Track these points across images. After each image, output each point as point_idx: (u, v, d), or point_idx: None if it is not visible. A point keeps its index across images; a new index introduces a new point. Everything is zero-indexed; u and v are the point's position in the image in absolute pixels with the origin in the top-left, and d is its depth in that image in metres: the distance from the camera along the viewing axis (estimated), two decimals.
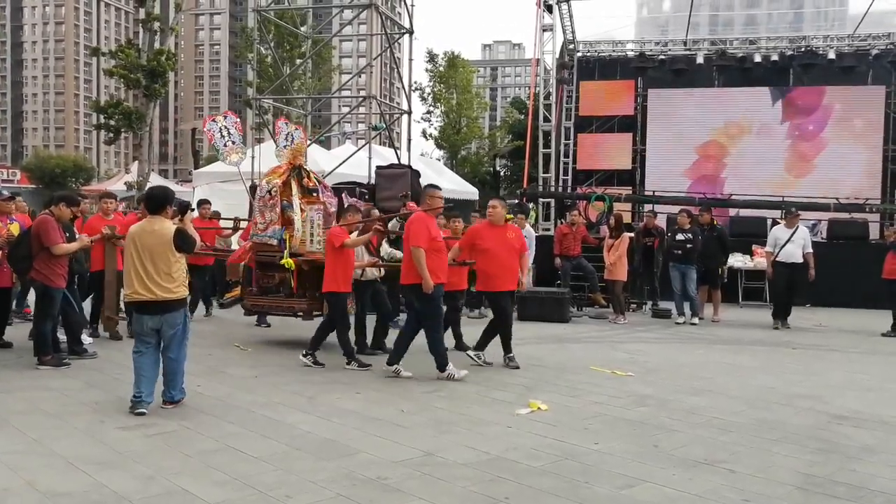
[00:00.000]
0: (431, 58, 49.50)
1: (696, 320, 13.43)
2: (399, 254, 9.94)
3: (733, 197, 21.70)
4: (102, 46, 50.73)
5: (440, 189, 8.83)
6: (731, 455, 5.62)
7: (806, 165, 24.60)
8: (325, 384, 7.83)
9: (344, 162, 16.47)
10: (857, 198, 22.13)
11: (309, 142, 18.22)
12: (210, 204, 13.86)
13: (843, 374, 9.01)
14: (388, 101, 26.17)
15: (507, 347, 8.95)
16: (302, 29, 30.65)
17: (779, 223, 17.04)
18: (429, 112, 50.07)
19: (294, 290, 9.93)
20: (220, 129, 13.78)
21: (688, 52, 25.07)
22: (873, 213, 20.89)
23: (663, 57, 25.29)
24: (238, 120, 14.64)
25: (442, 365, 8.13)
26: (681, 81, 25.09)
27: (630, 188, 24.74)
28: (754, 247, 16.64)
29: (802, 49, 24.01)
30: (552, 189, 24.88)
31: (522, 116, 45.09)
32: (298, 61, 34.66)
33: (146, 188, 25.14)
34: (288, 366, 8.83)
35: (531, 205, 22.69)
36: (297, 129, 11.57)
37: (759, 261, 16.38)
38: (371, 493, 4.67)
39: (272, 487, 4.72)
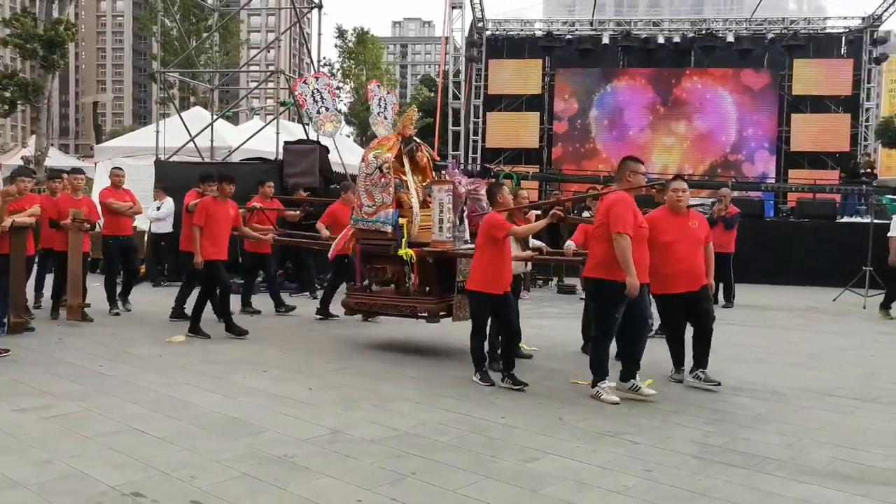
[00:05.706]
0: (341, 34, 48.97)
1: None
2: (538, 243, 8.65)
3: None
4: None
5: (643, 163, 7.07)
6: (633, 427, 5.77)
7: (705, 146, 25.30)
8: (231, 363, 7.73)
9: (251, 137, 16.20)
10: (754, 177, 22.93)
11: (216, 116, 17.88)
12: (272, 182, 12.14)
13: (739, 348, 9.31)
14: (296, 77, 25.78)
15: (701, 360, 7.24)
16: (208, 1, 29.94)
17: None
18: (338, 88, 49.57)
19: (415, 286, 8.33)
20: (313, 92, 12.34)
21: (594, 32, 25.44)
22: (769, 191, 21.67)
23: (570, 37, 25.59)
24: (331, 82, 13.15)
25: (596, 379, 6.69)
26: (587, 61, 25.46)
27: (537, 166, 25.03)
28: None
29: (703, 32, 24.62)
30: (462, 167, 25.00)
31: (432, 94, 45.07)
32: (205, 34, 33.89)
33: (45, 163, 24.29)
34: (193, 345, 8.69)
35: None
36: (388, 92, 9.63)
37: None
38: (277, 472, 4.64)
39: (176, 468, 4.64)
